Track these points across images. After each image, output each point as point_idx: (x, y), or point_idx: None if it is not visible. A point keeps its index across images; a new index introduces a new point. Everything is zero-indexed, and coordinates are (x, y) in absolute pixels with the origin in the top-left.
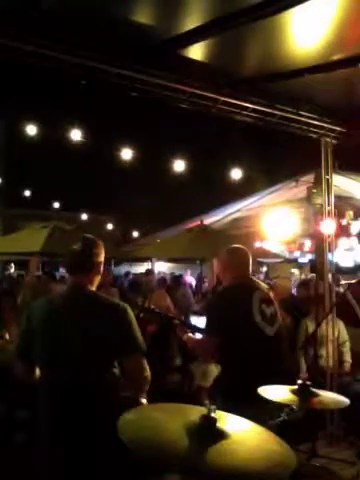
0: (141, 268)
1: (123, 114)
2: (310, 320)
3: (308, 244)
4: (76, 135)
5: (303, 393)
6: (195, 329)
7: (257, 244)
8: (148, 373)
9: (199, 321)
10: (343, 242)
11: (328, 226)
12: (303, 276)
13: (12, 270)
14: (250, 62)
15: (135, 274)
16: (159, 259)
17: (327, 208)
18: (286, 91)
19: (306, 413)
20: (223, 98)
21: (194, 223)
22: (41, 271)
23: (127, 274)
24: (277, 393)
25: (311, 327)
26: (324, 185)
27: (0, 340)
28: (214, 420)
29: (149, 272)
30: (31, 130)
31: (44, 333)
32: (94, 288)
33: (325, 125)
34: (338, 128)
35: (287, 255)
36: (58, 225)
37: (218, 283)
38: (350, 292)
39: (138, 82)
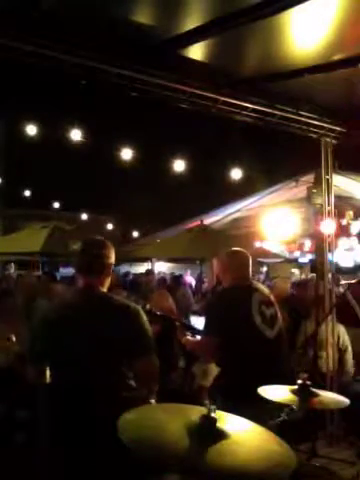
0: (141, 268)
1: (123, 114)
2: (310, 322)
3: (308, 244)
4: (76, 135)
5: (303, 393)
6: (196, 331)
7: (257, 244)
8: (158, 374)
9: (199, 321)
10: (343, 242)
11: (328, 226)
12: (303, 276)
13: (12, 270)
14: (250, 62)
15: (135, 274)
16: (159, 259)
17: (327, 208)
18: (286, 91)
19: (306, 413)
20: (223, 98)
21: (194, 223)
22: (41, 271)
23: (126, 274)
24: (277, 393)
25: (310, 329)
26: (324, 185)
27: (7, 342)
28: (214, 420)
29: (149, 272)
30: (31, 130)
31: (57, 335)
32: (105, 289)
33: (325, 125)
34: (338, 128)
35: (287, 255)
36: (58, 225)
37: (218, 283)
38: (350, 292)
39: (138, 82)
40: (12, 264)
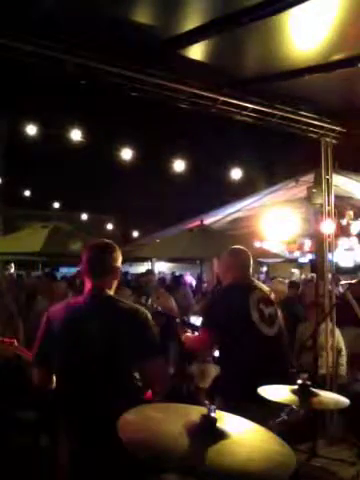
0: (141, 268)
1: (123, 114)
2: (308, 325)
3: (308, 244)
4: (76, 135)
5: (303, 393)
6: (195, 328)
7: (257, 244)
8: (166, 376)
9: (199, 321)
10: (343, 242)
11: (328, 226)
12: (303, 276)
13: (12, 270)
14: (250, 62)
15: (134, 274)
16: (159, 259)
17: (327, 208)
18: (286, 91)
19: (306, 413)
20: (223, 98)
21: (194, 223)
22: (41, 271)
23: (125, 274)
24: (277, 393)
25: (307, 333)
26: (324, 185)
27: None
28: (214, 420)
29: (149, 272)
30: (31, 130)
31: (66, 338)
32: (112, 292)
33: (325, 125)
34: (338, 128)
35: (287, 255)
36: (58, 225)
37: (218, 283)
38: (350, 292)
39: (138, 82)
40: (12, 264)
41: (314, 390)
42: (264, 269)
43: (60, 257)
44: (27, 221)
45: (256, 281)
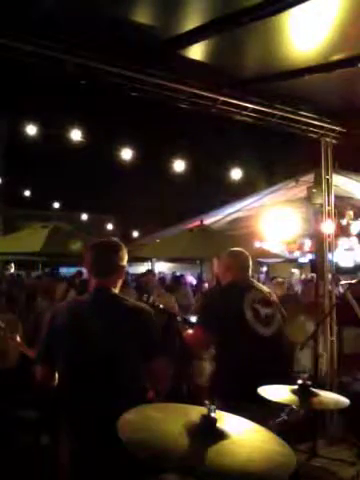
0: (141, 268)
1: (123, 114)
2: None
3: (308, 244)
4: (76, 135)
5: (303, 393)
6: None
7: (257, 244)
8: (169, 375)
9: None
10: (343, 242)
11: (328, 226)
12: (303, 276)
13: (12, 270)
14: (250, 62)
15: (134, 274)
16: (159, 259)
17: (327, 208)
18: (286, 91)
19: (306, 413)
20: (223, 98)
21: (194, 223)
22: (41, 271)
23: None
24: (277, 393)
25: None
26: (324, 185)
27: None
28: (214, 420)
29: (149, 272)
30: (31, 130)
31: (70, 336)
32: (117, 291)
33: (325, 125)
34: (338, 128)
35: (287, 255)
36: (58, 225)
37: (218, 283)
38: (350, 292)
39: (138, 82)
40: (12, 264)
41: (314, 390)
42: (264, 269)
43: (60, 257)
44: (27, 221)
45: (255, 282)
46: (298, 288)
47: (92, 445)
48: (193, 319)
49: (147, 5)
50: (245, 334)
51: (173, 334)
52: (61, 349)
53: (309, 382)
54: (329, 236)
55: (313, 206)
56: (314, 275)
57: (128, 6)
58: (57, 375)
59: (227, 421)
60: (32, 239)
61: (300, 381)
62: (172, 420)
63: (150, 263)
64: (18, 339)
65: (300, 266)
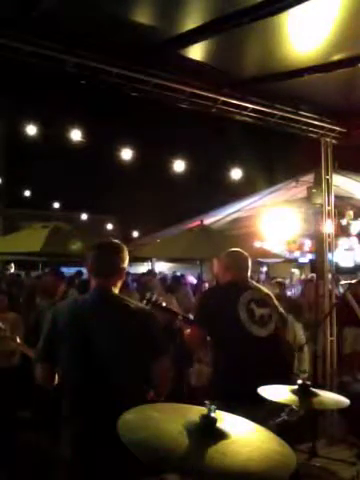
0: (141, 268)
1: (123, 114)
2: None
3: (308, 244)
4: (76, 135)
5: (303, 393)
6: None
7: (257, 244)
8: (170, 376)
9: None
10: (343, 242)
11: (328, 226)
12: (303, 276)
13: (12, 270)
14: (250, 62)
15: (135, 274)
16: (159, 259)
17: (327, 208)
18: (286, 91)
19: (306, 413)
20: (223, 98)
21: (194, 223)
22: (41, 271)
23: (127, 274)
24: (277, 393)
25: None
26: (324, 185)
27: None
28: (214, 420)
29: (149, 272)
30: (31, 130)
31: (71, 335)
32: (117, 291)
33: (325, 125)
34: (338, 128)
35: (287, 255)
36: (58, 225)
37: (217, 283)
38: (350, 292)
39: (138, 82)
40: (12, 264)
41: (314, 390)
42: (264, 269)
43: (60, 257)
44: (27, 221)
45: (254, 282)
46: (298, 288)
47: (92, 445)
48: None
49: (147, 5)
50: (239, 334)
51: (175, 333)
52: (62, 349)
53: (309, 382)
54: (329, 236)
55: (313, 206)
56: (314, 275)
57: (128, 6)
58: (57, 375)
59: (227, 421)
60: (32, 239)
61: (300, 381)
62: (172, 420)
63: (150, 263)
64: (18, 340)
65: (300, 266)
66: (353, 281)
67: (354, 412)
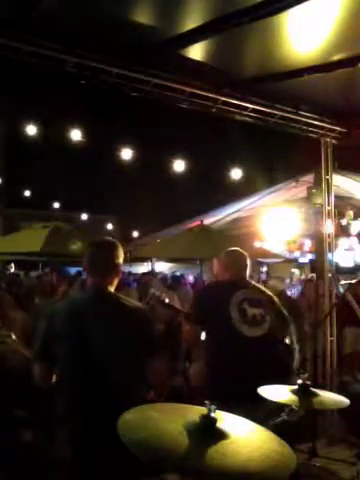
0: (141, 268)
1: (123, 114)
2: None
3: (308, 244)
4: (76, 135)
5: (303, 393)
6: None
7: (257, 244)
8: (166, 374)
9: None
10: (343, 242)
11: (328, 226)
12: (303, 276)
13: (12, 270)
14: (250, 62)
15: (136, 274)
16: (159, 259)
17: (327, 208)
18: (286, 91)
19: (306, 413)
20: (223, 98)
21: (194, 223)
22: (41, 271)
23: (128, 274)
24: (277, 393)
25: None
26: (324, 185)
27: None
28: (214, 420)
29: (150, 273)
30: (31, 130)
31: (69, 335)
32: (113, 289)
33: (325, 125)
34: (338, 128)
35: (287, 255)
36: (58, 225)
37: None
38: (350, 292)
39: (138, 82)
40: (12, 264)
41: (314, 390)
42: (264, 269)
43: (60, 257)
44: (27, 221)
45: (252, 282)
46: (298, 288)
47: (91, 444)
48: None
49: (147, 5)
50: (229, 334)
51: (178, 329)
52: (59, 348)
53: (309, 382)
54: (329, 236)
55: (313, 206)
56: (314, 275)
57: (128, 6)
58: (55, 374)
59: (227, 421)
60: (32, 239)
61: (300, 381)
62: (172, 420)
63: (150, 263)
64: (13, 337)
65: (300, 266)
66: (353, 281)
67: (354, 412)
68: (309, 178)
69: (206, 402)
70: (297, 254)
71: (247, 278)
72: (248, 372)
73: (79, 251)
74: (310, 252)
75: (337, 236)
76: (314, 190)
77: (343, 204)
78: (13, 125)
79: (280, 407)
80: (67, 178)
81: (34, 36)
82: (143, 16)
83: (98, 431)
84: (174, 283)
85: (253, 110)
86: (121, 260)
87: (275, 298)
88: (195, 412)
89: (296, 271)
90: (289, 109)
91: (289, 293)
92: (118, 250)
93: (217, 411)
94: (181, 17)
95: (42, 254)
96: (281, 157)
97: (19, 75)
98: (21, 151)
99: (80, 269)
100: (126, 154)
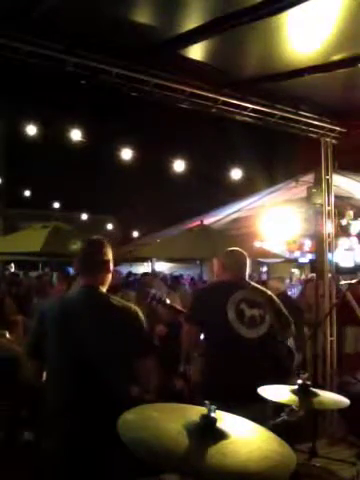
0: (141, 268)
1: (123, 114)
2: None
3: (308, 244)
4: (76, 135)
5: (303, 393)
6: None
7: (257, 244)
8: (157, 374)
9: None
10: (343, 242)
11: (328, 226)
12: (303, 276)
13: (12, 270)
14: (250, 62)
15: (136, 274)
16: (159, 259)
17: (327, 208)
18: (286, 91)
19: (306, 413)
20: (223, 98)
21: (194, 223)
22: (41, 271)
23: (129, 275)
24: (277, 393)
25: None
26: (324, 185)
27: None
28: (214, 420)
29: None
30: (31, 130)
31: (58, 334)
32: (106, 288)
33: (325, 125)
34: (338, 128)
35: (287, 255)
36: (58, 225)
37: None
38: (350, 292)
39: (138, 82)
40: (12, 264)
41: (314, 390)
42: (264, 269)
43: (60, 257)
44: (27, 221)
45: (252, 283)
46: (298, 288)
47: (79, 442)
48: None
49: (147, 5)
50: (226, 334)
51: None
52: (49, 346)
53: (309, 382)
54: (329, 236)
55: (313, 206)
56: (314, 275)
57: (128, 6)
58: (45, 372)
59: (227, 421)
60: (32, 239)
61: (300, 381)
62: (172, 420)
63: (150, 263)
64: (8, 336)
65: (300, 266)
66: (353, 281)
67: (354, 412)
68: (309, 178)
69: (206, 402)
70: (297, 254)
71: (247, 278)
72: (245, 373)
73: (79, 251)
74: (310, 252)
75: (337, 236)
76: (314, 190)
77: (343, 204)
78: (13, 125)
79: (280, 407)
80: (67, 178)
81: (34, 36)
82: (143, 16)
83: (86, 429)
84: (174, 283)
85: (253, 110)
86: (110, 256)
87: (275, 298)
88: (195, 412)
89: (296, 271)
90: (289, 109)
91: (289, 293)
92: (105, 247)
93: (217, 411)
94: (181, 17)
95: (42, 254)
96: (281, 157)
97: (19, 75)
98: (21, 151)
99: None
100: (126, 154)
